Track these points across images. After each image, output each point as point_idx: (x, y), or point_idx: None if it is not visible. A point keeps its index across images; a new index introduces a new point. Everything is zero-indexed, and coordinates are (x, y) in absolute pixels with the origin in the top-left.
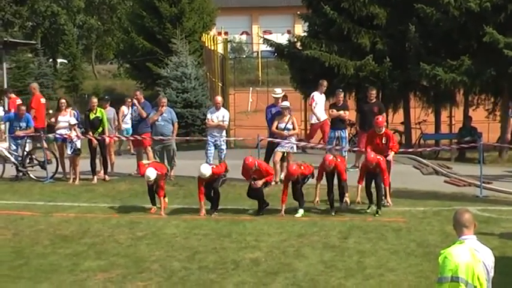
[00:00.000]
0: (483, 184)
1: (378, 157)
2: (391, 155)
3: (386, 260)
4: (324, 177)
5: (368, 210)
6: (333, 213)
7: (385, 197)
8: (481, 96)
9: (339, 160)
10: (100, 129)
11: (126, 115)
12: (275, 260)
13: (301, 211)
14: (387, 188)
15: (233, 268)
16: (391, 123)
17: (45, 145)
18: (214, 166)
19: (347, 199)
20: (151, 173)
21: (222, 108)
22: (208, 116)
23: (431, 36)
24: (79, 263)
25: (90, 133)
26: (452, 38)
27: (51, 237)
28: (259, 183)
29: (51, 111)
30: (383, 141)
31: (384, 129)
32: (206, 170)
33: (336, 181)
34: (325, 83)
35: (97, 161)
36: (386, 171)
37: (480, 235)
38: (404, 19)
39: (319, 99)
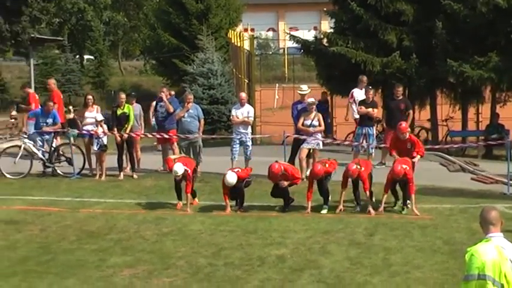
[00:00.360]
0: (511, 182)
1: (405, 166)
2: (417, 158)
3: (413, 257)
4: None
5: (395, 208)
6: (358, 209)
7: (411, 205)
8: (508, 93)
9: (362, 169)
10: (126, 126)
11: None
12: (301, 256)
13: (326, 208)
14: (412, 197)
15: (259, 265)
16: (417, 120)
17: (72, 141)
18: (240, 170)
19: (370, 209)
20: (179, 168)
21: (246, 105)
22: (233, 112)
23: (458, 33)
24: (105, 259)
25: (116, 129)
26: (479, 35)
27: (78, 233)
28: (285, 183)
29: (70, 108)
30: (408, 147)
31: (407, 135)
32: (232, 179)
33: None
34: (364, 78)
35: (123, 157)
36: (412, 179)
37: (507, 233)
38: (431, 15)
39: (358, 95)
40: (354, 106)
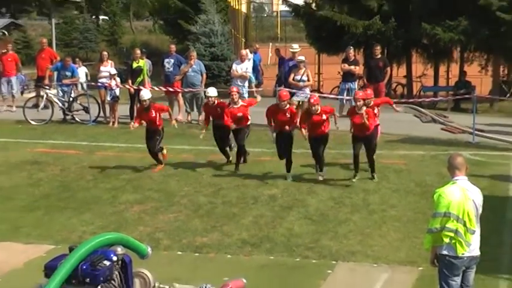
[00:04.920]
0: (475, 132)
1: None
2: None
3: (388, 198)
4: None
5: (354, 180)
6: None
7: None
8: (475, 54)
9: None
10: (140, 78)
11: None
12: (290, 196)
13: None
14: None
15: (253, 203)
16: (395, 77)
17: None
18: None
19: None
20: (146, 93)
21: (246, 61)
22: (234, 67)
23: None
24: (118, 196)
25: (130, 81)
26: (450, 1)
27: (94, 173)
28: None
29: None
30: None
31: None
32: (212, 92)
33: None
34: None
35: (134, 107)
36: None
37: (471, 177)
38: None
39: None
40: None
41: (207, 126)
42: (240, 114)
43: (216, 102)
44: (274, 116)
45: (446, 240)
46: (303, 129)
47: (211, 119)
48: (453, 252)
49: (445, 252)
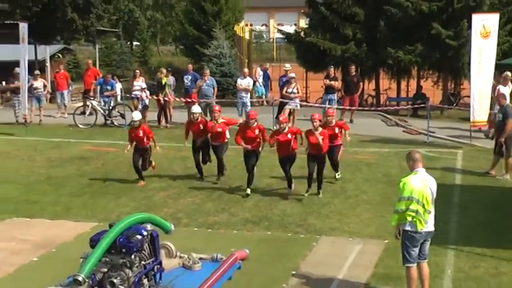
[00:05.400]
0: (429, 133)
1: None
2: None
3: (361, 185)
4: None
5: (305, 195)
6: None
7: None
8: (429, 72)
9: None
10: (165, 91)
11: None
12: (283, 184)
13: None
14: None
15: (252, 189)
16: (366, 90)
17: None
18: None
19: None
20: (136, 115)
21: (247, 77)
22: (238, 82)
23: (395, 29)
24: (147, 184)
25: (161, 94)
26: (410, 31)
27: (128, 166)
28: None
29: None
30: (255, 133)
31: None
32: (196, 109)
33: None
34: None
35: (161, 114)
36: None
37: (426, 168)
38: (377, 17)
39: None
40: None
41: (186, 140)
42: (219, 129)
43: (199, 118)
44: (243, 133)
45: (409, 218)
46: (271, 142)
47: (191, 134)
48: (414, 228)
49: (408, 228)
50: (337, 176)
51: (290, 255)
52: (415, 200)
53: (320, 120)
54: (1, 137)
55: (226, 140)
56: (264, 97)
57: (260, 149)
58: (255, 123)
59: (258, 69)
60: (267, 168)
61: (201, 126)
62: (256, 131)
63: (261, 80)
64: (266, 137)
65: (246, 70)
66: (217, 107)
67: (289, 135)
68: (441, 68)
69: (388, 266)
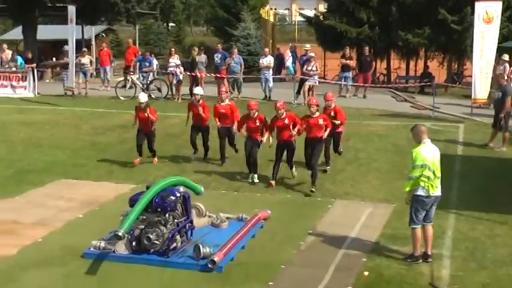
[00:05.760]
0: (435, 108)
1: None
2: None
3: (373, 154)
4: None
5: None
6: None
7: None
8: (435, 53)
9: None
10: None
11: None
12: (300, 156)
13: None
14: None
15: (270, 160)
16: (378, 69)
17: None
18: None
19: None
20: (143, 97)
21: (269, 55)
22: (260, 60)
23: (405, 14)
24: (179, 150)
25: (197, 71)
26: (419, 15)
27: (163, 134)
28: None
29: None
30: (257, 124)
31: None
32: (199, 90)
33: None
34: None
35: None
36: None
37: (432, 140)
38: (389, 2)
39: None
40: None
41: (188, 119)
42: (222, 110)
43: (200, 101)
44: (246, 123)
45: (422, 184)
46: (267, 134)
47: (191, 117)
48: (426, 193)
49: (420, 193)
50: (327, 170)
51: (308, 216)
52: (427, 167)
53: (317, 105)
54: (51, 107)
55: (232, 125)
56: (292, 75)
57: (262, 138)
58: (256, 114)
59: (288, 50)
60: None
61: (200, 108)
62: (257, 122)
63: (290, 60)
64: (266, 126)
65: (266, 50)
66: (223, 88)
67: (286, 121)
68: (446, 50)
69: (396, 227)
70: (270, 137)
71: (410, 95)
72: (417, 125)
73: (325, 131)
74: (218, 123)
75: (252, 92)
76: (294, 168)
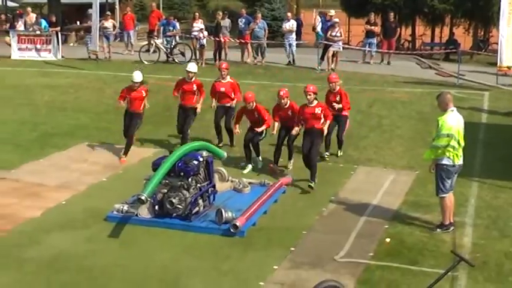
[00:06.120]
0: (460, 76)
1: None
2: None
3: (396, 121)
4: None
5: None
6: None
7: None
8: (461, 20)
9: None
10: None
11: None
12: None
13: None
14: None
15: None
16: (403, 35)
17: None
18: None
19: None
20: (138, 76)
21: (291, 20)
22: (284, 24)
23: None
24: (203, 115)
25: (221, 35)
26: None
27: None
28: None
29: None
30: (288, 113)
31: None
32: (193, 67)
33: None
34: None
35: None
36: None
37: (457, 108)
38: None
39: None
40: None
41: (174, 96)
42: (222, 89)
43: (193, 78)
44: (242, 116)
45: (447, 154)
46: (276, 123)
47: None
48: (452, 162)
49: (445, 162)
50: (339, 154)
51: (330, 182)
52: (453, 136)
53: (315, 93)
54: (75, 70)
55: (231, 104)
56: (320, 41)
57: (262, 128)
58: (253, 105)
59: (318, 16)
60: None
61: (194, 86)
62: (256, 114)
63: (320, 26)
64: (266, 118)
65: (289, 14)
66: (224, 65)
67: (289, 112)
68: (472, 17)
69: (418, 195)
70: (275, 128)
71: (435, 62)
72: (443, 92)
73: (325, 122)
74: (214, 102)
75: (276, 57)
76: (292, 160)
